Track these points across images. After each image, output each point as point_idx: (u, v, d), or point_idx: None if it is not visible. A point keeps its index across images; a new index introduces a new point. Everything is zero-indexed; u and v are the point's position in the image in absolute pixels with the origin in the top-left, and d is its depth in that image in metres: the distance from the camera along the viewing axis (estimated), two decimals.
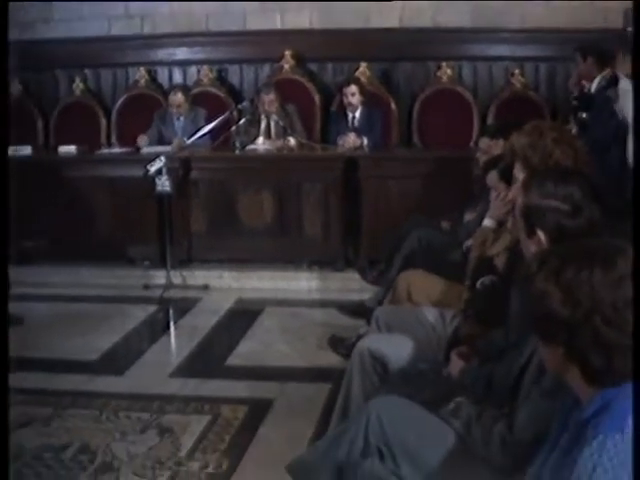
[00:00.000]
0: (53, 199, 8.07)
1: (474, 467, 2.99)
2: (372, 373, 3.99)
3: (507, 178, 4.43)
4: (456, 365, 3.63)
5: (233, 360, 6.08)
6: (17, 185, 8.04)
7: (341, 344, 5.84)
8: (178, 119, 8.58)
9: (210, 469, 4.41)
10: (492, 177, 4.98)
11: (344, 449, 3.19)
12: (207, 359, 6.15)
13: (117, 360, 6.17)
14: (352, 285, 7.26)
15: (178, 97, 8.53)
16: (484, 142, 6.04)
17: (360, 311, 6.38)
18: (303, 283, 7.65)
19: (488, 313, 3.91)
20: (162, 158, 7.42)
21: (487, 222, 4.97)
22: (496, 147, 5.74)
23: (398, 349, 4.02)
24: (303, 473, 3.48)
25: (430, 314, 4.48)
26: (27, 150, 8.56)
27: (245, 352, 6.22)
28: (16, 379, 5.66)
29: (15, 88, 9.68)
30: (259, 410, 5.12)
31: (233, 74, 9.57)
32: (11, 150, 8.33)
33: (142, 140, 8.46)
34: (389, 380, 3.84)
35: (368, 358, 4.03)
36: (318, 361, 5.90)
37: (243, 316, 7.04)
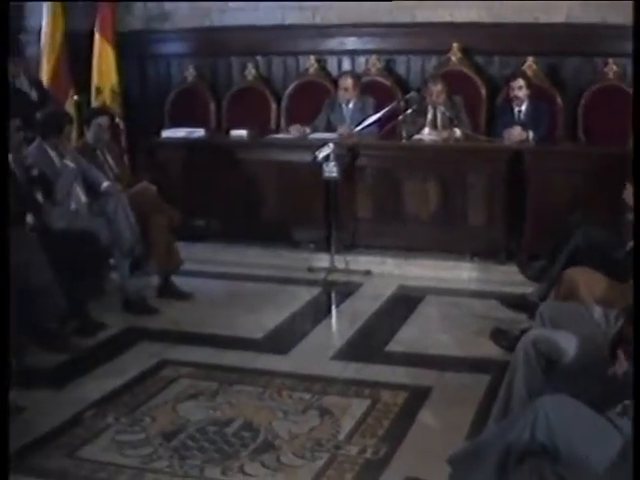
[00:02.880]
0: (224, 180, 8.33)
1: None
2: (536, 368, 3.98)
3: None
4: (622, 365, 3.56)
5: (393, 346, 6.13)
6: (190, 166, 8.38)
7: (503, 336, 5.81)
8: (347, 105, 8.68)
9: (368, 454, 4.46)
10: None
11: (509, 444, 3.20)
12: (368, 344, 6.21)
13: (281, 339, 6.33)
14: (513, 278, 7.17)
15: (348, 81, 8.64)
16: None
17: (521, 304, 6.37)
18: (464, 273, 7.64)
19: None
20: (330, 145, 7.57)
21: None
22: None
23: (564, 345, 3.99)
24: (465, 466, 3.50)
25: (595, 312, 4.44)
26: (200, 132, 8.84)
27: (405, 339, 6.27)
28: (185, 352, 5.95)
29: (190, 73, 9.98)
30: (418, 397, 5.16)
31: (400, 64, 9.56)
32: (185, 132, 8.68)
33: (295, 129, 8.65)
34: (554, 376, 3.82)
35: (533, 353, 4.01)
36: (477, 352, 5.90)
37: (404, 303, 7.10)
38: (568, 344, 4.01)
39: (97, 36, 9.47)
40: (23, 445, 4.61)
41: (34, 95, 8.31)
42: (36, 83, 8.67)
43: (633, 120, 6.16)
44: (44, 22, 9.16)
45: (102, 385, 5.44)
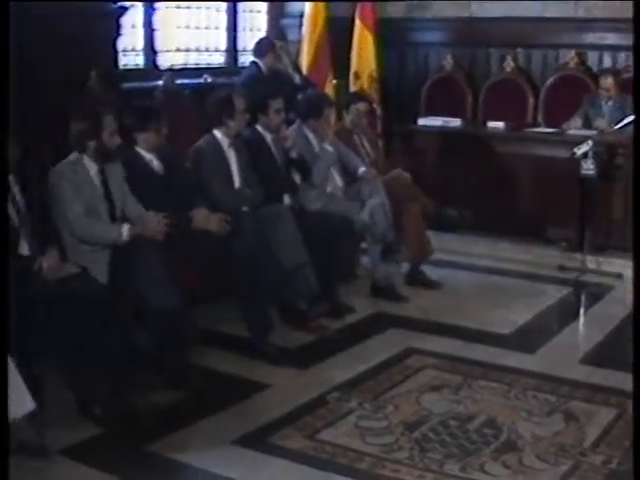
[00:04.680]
0: (479, 171, 8.35)
1: None
2: None
3: None
4: None
5: None
6: (445, 155, 8.41)
7: None
8: (606, 103, 8.49)
9: (613, 465, 4.34)
10: None
11: None
12: (617, 350, 6.00)
13: (529, 337, 6.25)
14: None
15: (608, 81, 8.44)
16: None
17: None
18: None
19: None
20: (590, 142, 7.43)
21: None
22: None
23: None
24: None
25: None
26: (457, 122, 8.88)
27: None
28: (431, 342, 5.97)
29: (448, 62, 10.01)
30: None
31: None
32: (442, 121, 8.72)
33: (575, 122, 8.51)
34: None
35: None
36: None
37: None
38: None
39: (357, 23, 9.65)
40: (264, 423, 4.75)
41: (297, 78, 8.52)
42: (297, 67, 8.90)
43: (634, 120, 5.76)
44: (307, 7, 9.39)
45: (347, 369, 5.53)
